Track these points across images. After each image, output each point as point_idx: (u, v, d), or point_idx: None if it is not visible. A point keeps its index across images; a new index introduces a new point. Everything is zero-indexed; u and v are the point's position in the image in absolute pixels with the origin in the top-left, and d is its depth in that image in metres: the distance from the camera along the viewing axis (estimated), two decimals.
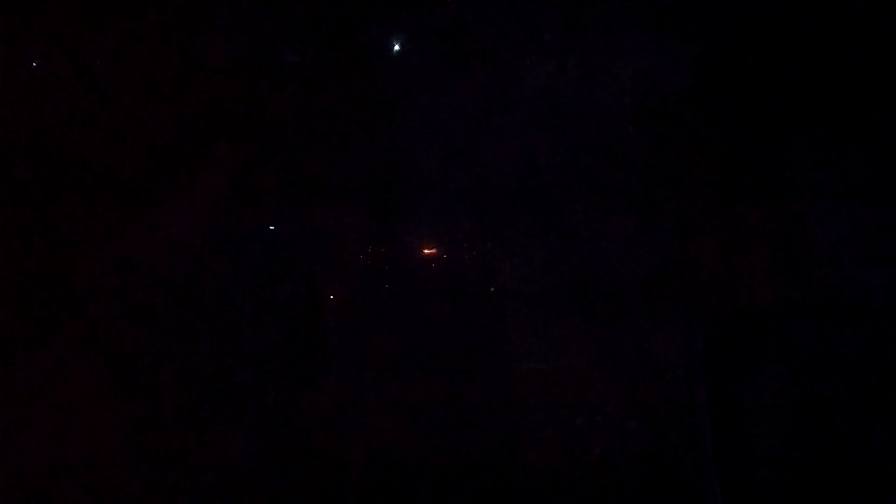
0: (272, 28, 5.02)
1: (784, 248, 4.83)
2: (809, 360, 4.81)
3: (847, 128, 4.89)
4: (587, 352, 4.95)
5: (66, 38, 5.01)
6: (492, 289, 4.98)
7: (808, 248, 4.84)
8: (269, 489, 4.71)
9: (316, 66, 5.01)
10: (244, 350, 4.87)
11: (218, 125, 5.00)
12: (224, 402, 4.81)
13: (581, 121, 4.99)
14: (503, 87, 5.00)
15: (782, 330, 4.81)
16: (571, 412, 4.90)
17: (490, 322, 4.96)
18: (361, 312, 4.96)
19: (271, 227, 4.99)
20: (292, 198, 5.00)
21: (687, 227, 4.88)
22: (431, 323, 4.95)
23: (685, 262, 4.87)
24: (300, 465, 4.76)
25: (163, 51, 5.00)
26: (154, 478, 4.72)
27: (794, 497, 4.69)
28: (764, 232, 4.84)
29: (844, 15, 4.85)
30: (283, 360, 4.88)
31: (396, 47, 5.03)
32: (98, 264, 4.92)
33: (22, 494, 4.68)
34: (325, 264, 4.99)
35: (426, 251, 5.01)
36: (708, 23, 4.91)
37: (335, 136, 5.01)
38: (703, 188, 4.89)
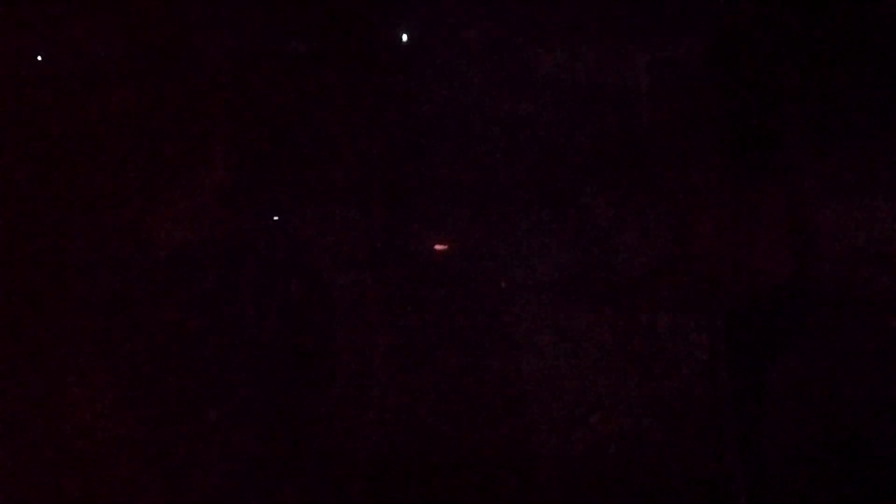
0: (277, 19, 4.96)
1: (795, 238, 4.78)
2: (826, 350, 4.78)
3: (855, 121, 4.89)
4: (602, 346, 4.86)
5: (68, 31, 4.97)
6: (503, 283, 4.90)
7: (818, 238, 4.80)
8: (276, 485, 4.61)
9: (323, 57, 4.96)
10: (250, 347, 4.74)
11: (222, 118, 4.93)
12: (230, 400, 4.70)
13: (593, 112, 4.95)
14: (516, 78, 4.95)
15: (796, 319, 4.74)
16: (586, 409, 4.81)
17: (501, 317, 4.88)
18: (370, 308, 4.90)
19: (278, 223, 4.89)
20: (299, 192, 4.95)
21: (700, 216, 4.82)
22: (441, 318, 4.88)
23: (698, 250, 4.80)
24: (308, 461, 4.67)
25: (165, 44, 4.95)
26: (160, 477, 4.64)
27: (815, 489, 4.58)
28: (775, 221, 4.79)
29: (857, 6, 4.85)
30: (291, 356, 4.75)
31: (405, 38, 4.98)
32: (99, 262, 4.87)
33: (27, 494, 4.60)
34: (332, 260, 4.93)
35: (436, 245, 4.93)
36: (722, 12, 4.87)
37: (343, 129, 4.95)
38: (716, 177, 4.84)
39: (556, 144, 4.94)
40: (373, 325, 4.86)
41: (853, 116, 4.88)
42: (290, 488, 4.58)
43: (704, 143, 4.89)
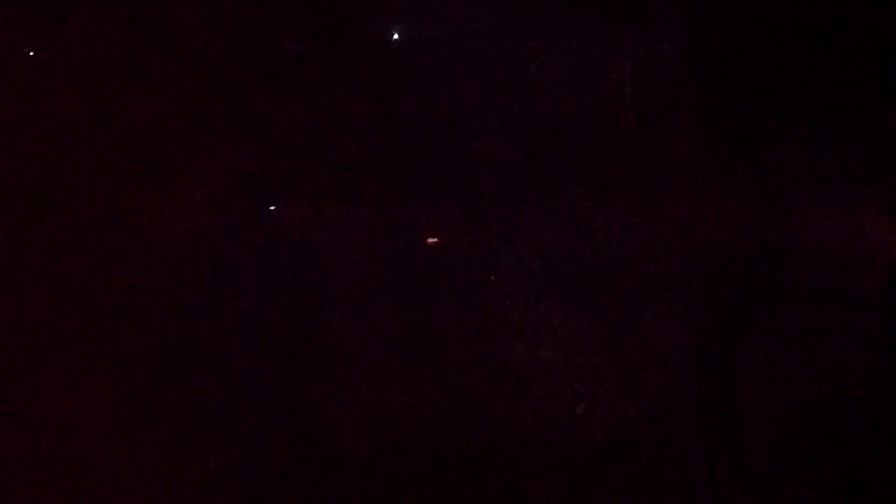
0: (273, 19, 5.00)
1: (772, 231, 4.89)
2: (802, 340, 4.90)
3: (834, 117, 4.99)
4: (588, 339, 4.98)
5: (65, 28, 4.99)
6: (493, 277, 5.00)
7: (795, 231, 4.90)
8: (275, 479, 4.67)
9: (317, 56, 5.01)
10: (248, 340, 4.84)
11: (219, 115, 4.99)
12: (229, 393, 4.79)
13: (581, 109, 5.03)
14: (505, 76, 5.03)
15: (773, 310, 4.86)
16: (573, 399, 4.92)
17: (492, 310, 4.97)
18: (364, 302, 4.97)
19: (274, 221, 4.98)
20: (295, 187, 5.02)
21: (685, 211, 4.93)
22: (434, 312, 4.97)
23: (681, 244, 4.91)
24: (306, 454, 4.76)
25: (164, 42, 4.99)
26: (157, 474, 4.66)
27: (793, 478, 4.73)
28: (755, 215, 4.89)
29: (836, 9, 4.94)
30: (288, 349, 4.86)
31: (396, 37, 5.05)
32: (99, 256, 4.91)
33: (27, 490, 4.60)
34: (328, 254, 4.98)
35: (428, 240, 5.01)
36: (703, 13, 4.97)
37: (336, 126, 5.00)
38: (700, 173, 4.94)
39: (545, 141, 5.03)
40: (368, 321, 4.93)
41: (832, 112, 4.97)
42: (287, 487, 4.60)
43: (689, 139, 4.99)
